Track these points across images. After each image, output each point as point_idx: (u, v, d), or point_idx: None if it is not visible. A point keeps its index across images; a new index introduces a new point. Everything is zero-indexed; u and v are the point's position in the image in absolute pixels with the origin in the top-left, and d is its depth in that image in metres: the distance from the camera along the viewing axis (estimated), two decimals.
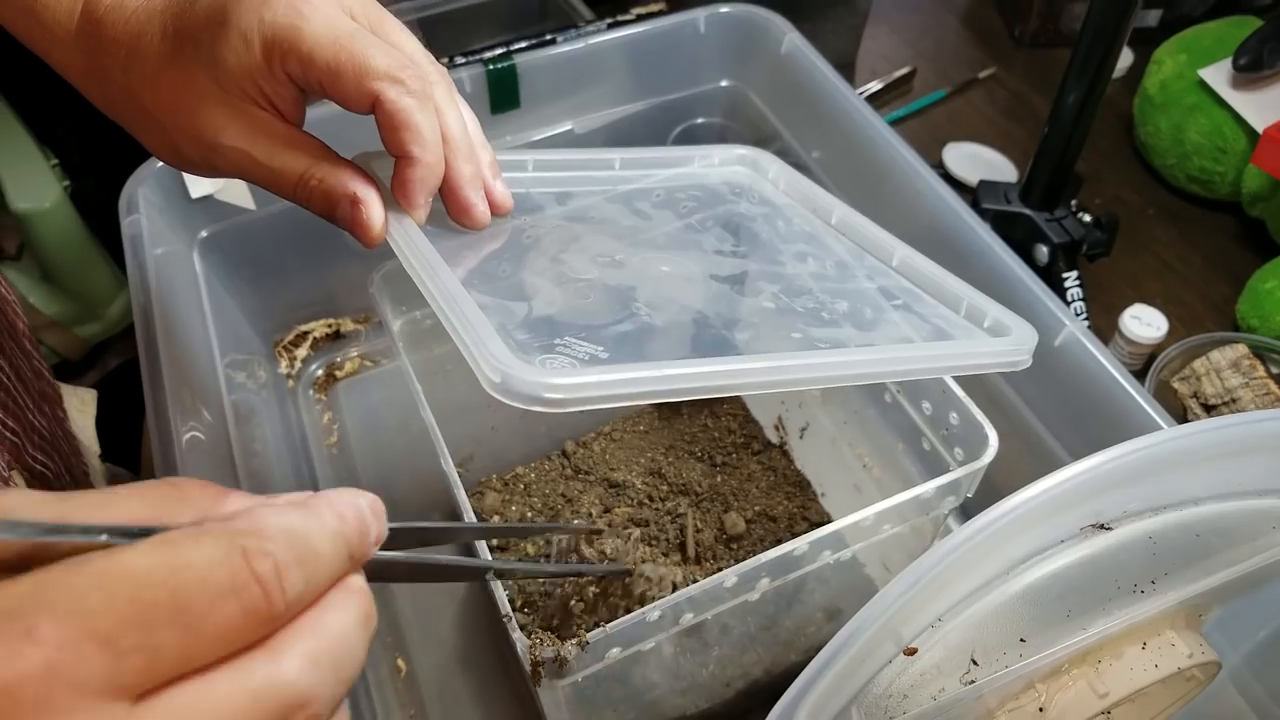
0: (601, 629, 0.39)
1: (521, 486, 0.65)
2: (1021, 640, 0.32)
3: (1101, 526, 0.33)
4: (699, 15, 0.73)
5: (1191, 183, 0.82)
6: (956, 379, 0.49)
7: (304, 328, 0.74)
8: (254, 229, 0.69)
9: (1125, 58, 0.94)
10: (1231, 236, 0.83)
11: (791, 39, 0.72)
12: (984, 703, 0.34)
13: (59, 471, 0.54)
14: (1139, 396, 0.52)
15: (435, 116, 0.38)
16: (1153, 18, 0.95)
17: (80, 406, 0.66)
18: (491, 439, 0.64)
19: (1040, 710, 0.34)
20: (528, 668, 0.39)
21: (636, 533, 0.49)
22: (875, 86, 0.93)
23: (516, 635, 0.39)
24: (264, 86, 0.37)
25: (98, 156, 0.94)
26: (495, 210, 0.44)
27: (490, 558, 0.42)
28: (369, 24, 0.39)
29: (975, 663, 0.32)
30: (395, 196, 0.40)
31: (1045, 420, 0.57)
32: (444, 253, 0.40)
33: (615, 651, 0.42)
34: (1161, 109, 0.81)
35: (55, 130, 1.22)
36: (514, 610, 0.49)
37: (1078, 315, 0.67)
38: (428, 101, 0.38)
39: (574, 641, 0.39)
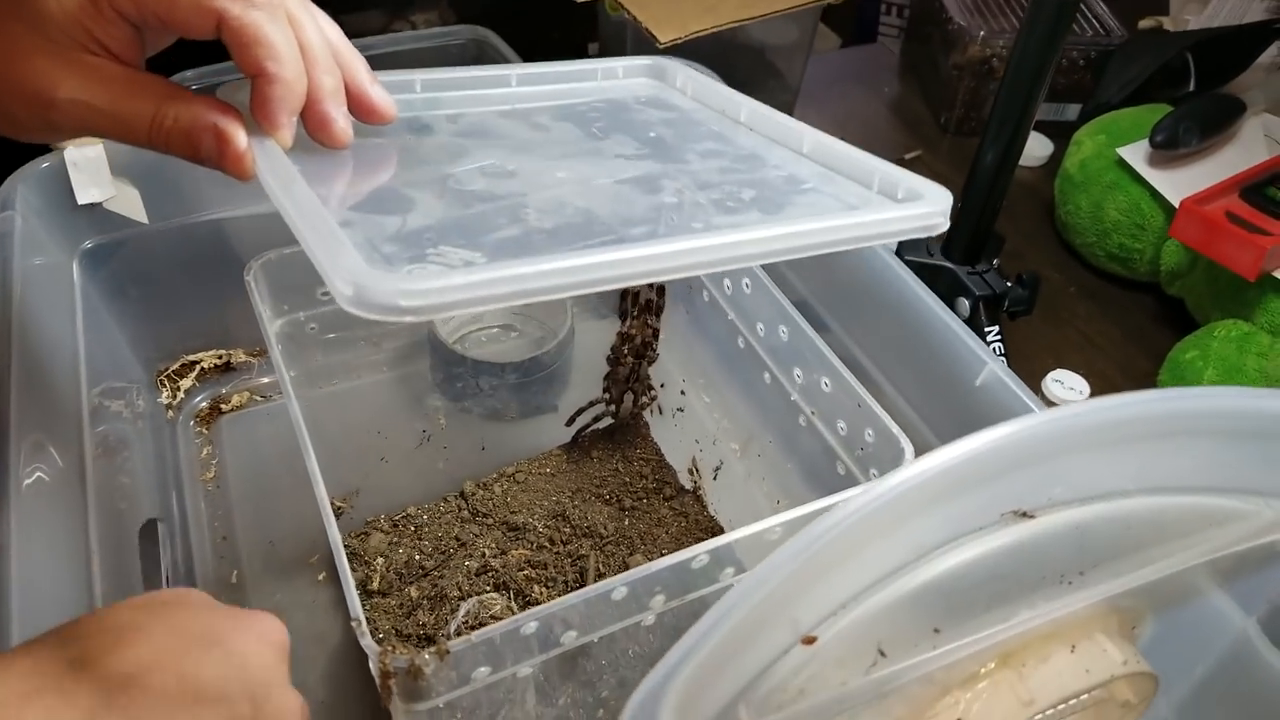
0: (465, 637, 0.34)
1: (412, 528, 0.60)
2: (935, 631, 0.28)
3: (1024, 514, 0.30)
4: (617, 64, 0.73)
5: (1111, 261, 0.83)
6: (873, 395, 0.46)
7: (192, 357, 0.69)
8: (145, 244, 0.64)
9: (1045, 147, 0.96)
10: (1151, 316, 0.83)
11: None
12: (891, 714, 0.30)
13: None
14: None
15: (289, 29, 0.35)
16: (1071, 111, 0.98)
17: None
18: (381, 472, 0.59)
19: None
20: (377, 681, 0.34)
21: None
22: None
23: (366, 641, 0.34)
24: (93, 29, 0.34)
25: None
26: (375, 118, 0.40)
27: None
28: None
29: (883, 654, 0.28)
30: (255, 119, 0.36)
31: None
32: (311, 173, 0.36)
33: (484, 672, 0.37)
34: (1081, 187, 0.83)
35: None
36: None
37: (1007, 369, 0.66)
38: (278, 11, 0.35)
39: (432, 650, 0.34)
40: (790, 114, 0.95)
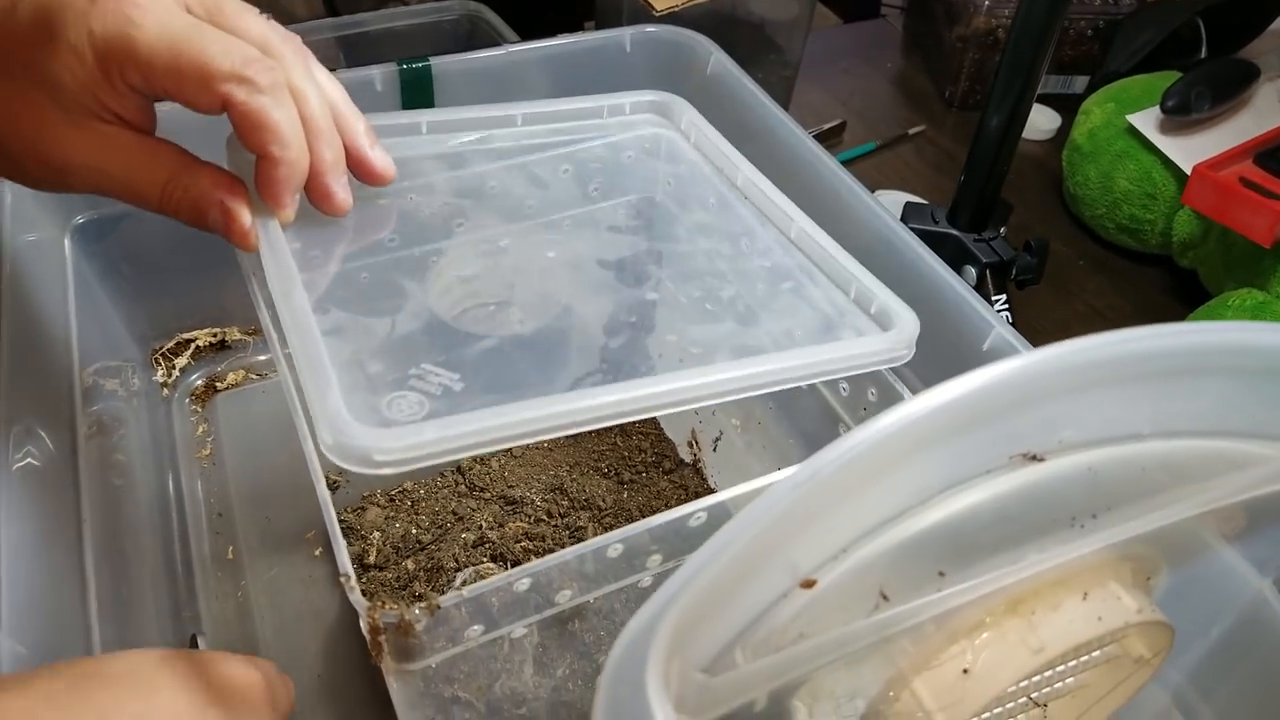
0: (457, 591, 0.33)
1: (409, 503, 0.59)
2: (940, 574, 0.27)
3: (1034, 457, 0.29)
4: (625, 33, 0.72)
5: (1121, 232, 0.81)
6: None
7: (187, 335, 0.68)
8: (140, 221, 0.63)
9: (1052, 120, 0.94)
10: (1162, 289, 0.82)
11: (718, 59, 0.70)
12: (895, 661, 0.28)
13: None
14: None
15: (292, 108, 0.36)
16: (1079, 84, 0.97)
17: None
18: None
19: (965, 672, 0.28)
20: (368, 639, 0.33)
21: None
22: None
23: (354, 597, 0.33)
24: (106, 100, 0.35)
25: None
26: (375, 180, 0.41)
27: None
28: (206, 13, 0.36)
29: (885, 597, 0.26)
30: (261, 197, 0.37)
31: None
32: (309, 252, 0.38)
33: (476, 630, 0.35)
34: (1090, 158, 0.81)
35: None
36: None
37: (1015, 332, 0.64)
38: (281, 92, 0.35)
39: (422, 606, 0.32)
40: (790, 91, 0.94)
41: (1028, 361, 0.28)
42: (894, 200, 0.86)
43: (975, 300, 0.53)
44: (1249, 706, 0.41)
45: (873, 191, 0.86)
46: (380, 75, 0.66)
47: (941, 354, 0.55)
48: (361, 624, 0.33)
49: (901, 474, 0.28)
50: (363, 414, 0.32)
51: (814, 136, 0.92)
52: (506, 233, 0.46)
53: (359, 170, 0.41)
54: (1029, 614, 0.28)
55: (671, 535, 0.37)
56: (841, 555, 0.27)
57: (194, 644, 0.53)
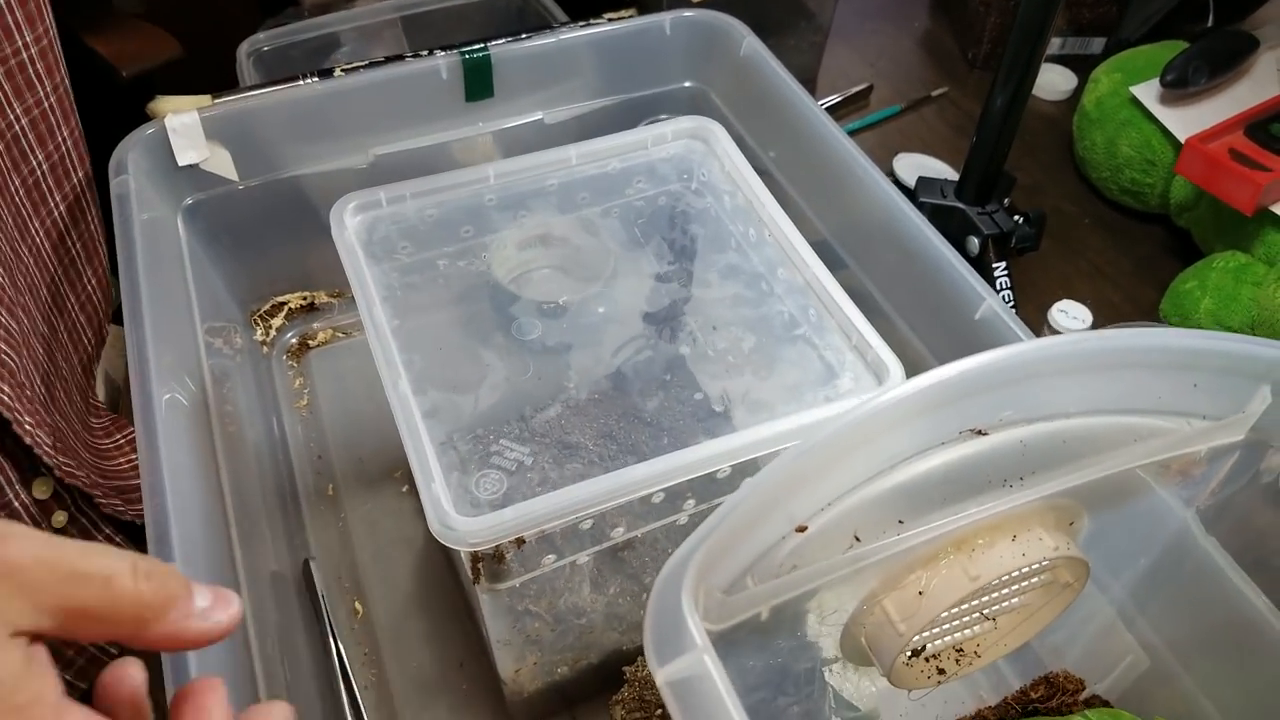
0: (539, 528, 0.43)
1: (520, 427, 0.69)
2: (900, 522, 0.36)
3: (979, 432, 0.38)
4: (664, 18, 0.78)
5: (1124, 194, 0.88)
6: (883, 327, 0.55)
7: (280, 298, 0.78)
8: (236, 200, 0.72)
9: (1069, 80, 1.00)
10: (1160, 245, 0.88)
11: (750, 43, 0.77)
12: (869, 585, 0.38)
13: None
14: None
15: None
16: (1096, 45, 1.01)
17: (111, 342, 0.73)
18: (450, 400, 0.68)
19: (920, 594, 0.37)
20: (468, 567, 0.43)
21: None
22: (834, 99, 0.99)
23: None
24: None
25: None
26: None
27: None
28: None
29: (858, 539, 0.35)
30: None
31: None
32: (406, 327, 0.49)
33: (550, 559, 0.45)
34: (1097, 124, 0.87)
35: None
36: None
37: (1005, 303, 0.72)
38: None
39: (512, 539, 0.42)
40: (821, 55, 1.00)
41: (981, 361, 0.37)
42: (913, 164, 0.92)
43: (970, 275, 0.61)
44: (1177, 617, 0.50)
45: (895, 155, 0.93)
46: (445, 64, 0.74)
47: (940, 320, 0.63)
48: (463, 554, 0.43)
49: (876, 445, 0.36)
50: (458, 495, 0.44)
51: (843, 100, 0.99)
52: (565, 288, 0.57)
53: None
54: (970, 550, 0.37)
55: (702, 484, 0.46)
56: (827, 508, 0.36)
57: (306, 568, 0.64)
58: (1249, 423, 0.40)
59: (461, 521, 0.41)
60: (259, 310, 0.78)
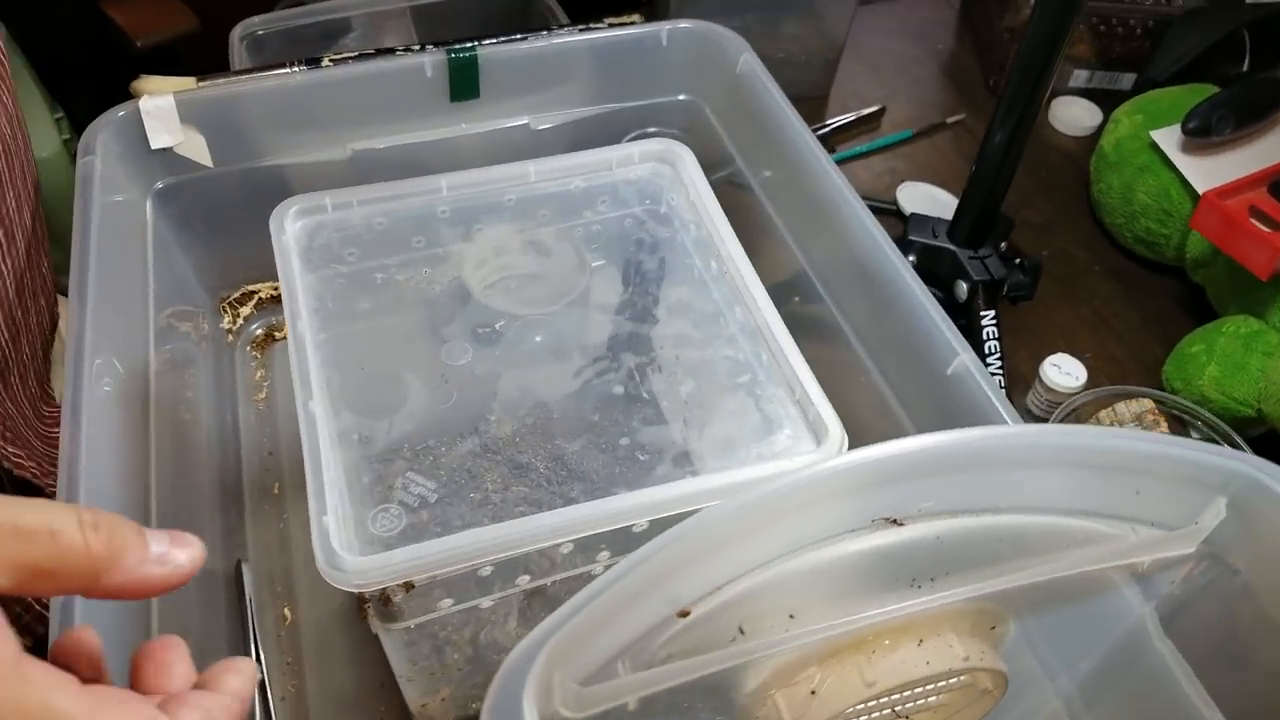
0: (430, 574, 0.40)
1: (430, 459, 0.67)
2: (790, 617, 0.33)
3: (894, 521, 0.35)
4: (662, 28, 0.76)
5: (1139, 243, 0.84)
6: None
7: (252, 287, 0.76)
8: (211, 186, 0.71)
9: (1093, 116, 0.95)
10: (1173, 300, 0.84)
11: (747, 59, 0.74)
12: (759, 677, 0.35)
13: None
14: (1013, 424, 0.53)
15: None
16: (1126, 81, 0.97)
17: None
18: (408, 407, 0.66)
19: (812, 693, 0.35)
20: (358, 605, 0.41)
21: None
22: (843, 119, 0.95)
23: (341, 578, 0.41)
24: None
25: None
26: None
27: None
28: None
29: (742, 631, 0.33)
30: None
31: None
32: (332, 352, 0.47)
33: (448, 603, 0.43)
34: (1114, 167, 0.83)
35: (70, 87, 1.26)
36: None
37: (991, 354, 0.69)
38: None
39: (400, 583, 0.40)
40: (833, 72, 0.97)
41: (904, 448, 0.34)
42: (918, 194, 0.89)
43: (946, 327, 0.58)
44: (1125, 717, 0.47)
45: (901, 184, 0.90)
46: (430, 62, 0.71)
47: (911, 370, 0.60)
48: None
49: (777, 528, 0.34)
50: (355, 529, 0.43)
51: (852, 121, 0.96)
52: (503, 312, 0.55)
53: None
54: (870, 652, 0.34)
55: (618, 537, 0.44)
56: (715, 592, 0.33)
57: (238, 568, 0.62)
58: (1201, 535, 0.37)
59: (349, 560, 0.40)
60: (229, 297, 0.76)
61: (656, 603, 0.33)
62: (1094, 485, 0.36)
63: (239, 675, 0.30)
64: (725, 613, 0.33)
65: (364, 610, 0.42)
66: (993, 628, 0.38)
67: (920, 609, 0.34)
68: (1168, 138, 0.79)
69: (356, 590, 0.39)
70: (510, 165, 0.57)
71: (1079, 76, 0.96)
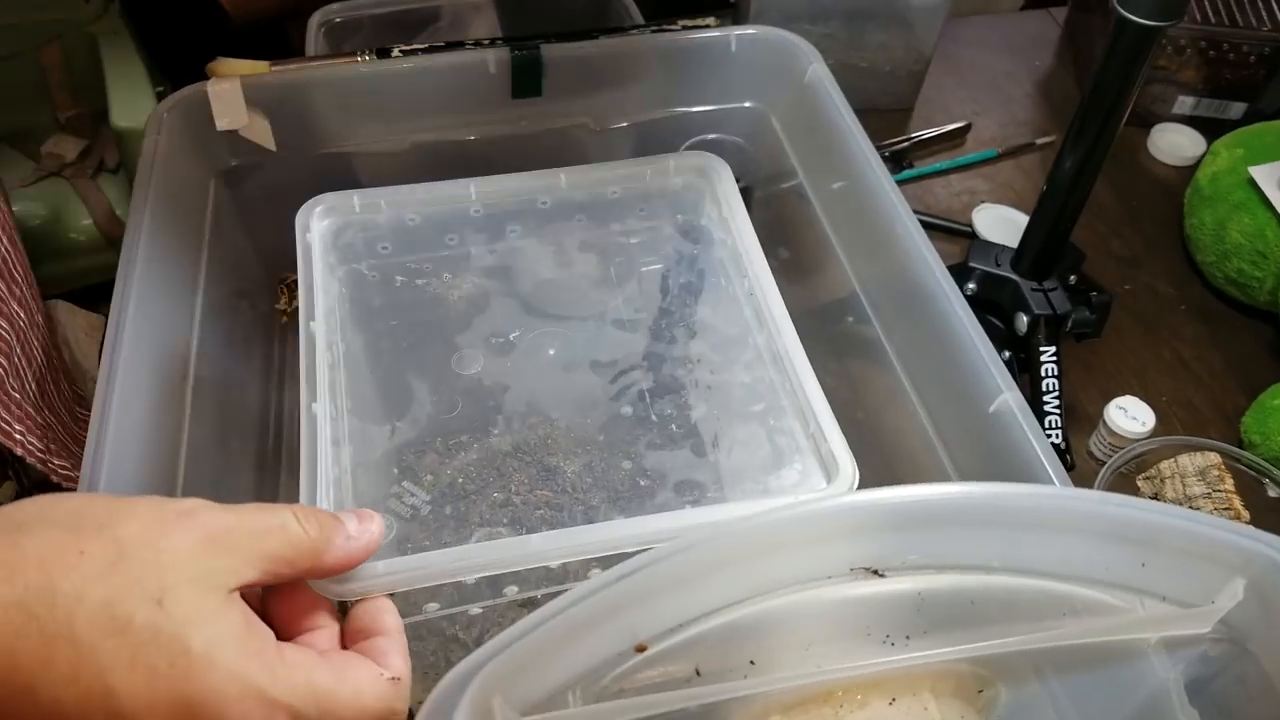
0: (410, 587, 0.40)
1: (461, 454, 0.67)
2: (751, 663, 0.32)
3: (874, 572, 0.33)
4: (731, 33, 0.74)
5: (1229, 284, 0.78)
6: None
7: None
8: (274, 170, 0.72)
9: (1197, 145, 0.90)
10: (1263, 346, 0.78)
11: (816, 69, 0.72)
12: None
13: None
14: (1054, 475, 0.50)
15: None
16: (1236, 110, 0.91)
17: (87, 331, 0.72)
18: (441, 402, 0.67)
19: None
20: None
21: None
22: (926, 134, 0.92)
23: (331, 589, 0.40)
24: None
25: None
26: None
27: None
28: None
29: (699, 673, 0.32)
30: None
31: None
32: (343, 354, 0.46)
33: (434, 607, 0.43)
34: (1209, 202, 0.78)
35: (176, 60, 1.31)
36: None
37: (1048, 392, 0.65)
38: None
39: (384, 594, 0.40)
40: (920, 84, 0.93)
41: (894, 497, 0.32)
42: (993, 216, 0.85)
43: (993, 364, 0.55)
44: None
45: (978, 205, 0.86)
46: (494, 58, 0.71)
47: (953, 403, 0.57)
48: None
49: (748, 569, 0.32)
50: None
51: (935, 136, 0.92)
52: (517, 324, 0.54)
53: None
54: (837, 705, 0.33)
55: (610, 559, 0.43)
56: (676, 630, 0.32)
57: None
58: (1216, 615, 0.34)
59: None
60: (287, 279, 0.78)
61: (614, 634, 0.32)
62: (1099, 552, 0.33)
63: (390, 613, 0.37)
64: (684, 651, 0.32)
65: (342, 608, 0.42)
66: (980, 691, 0.35)
67: (894, 666, 0.32)
68: (1268, 175, 0.74)
69: (336, 599, 0.39)
70: (542, 173, 0.56)
71: (1184, 103, 0.91)
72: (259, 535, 0.31)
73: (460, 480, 0.49)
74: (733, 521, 0.30)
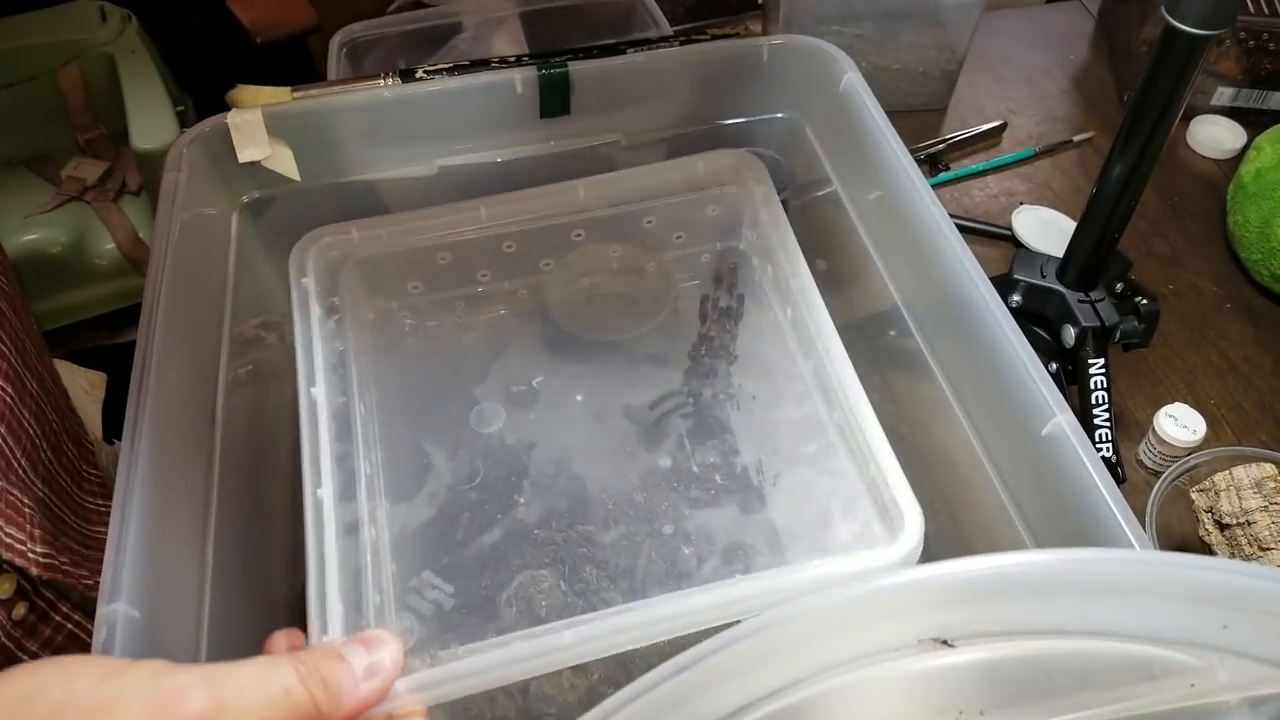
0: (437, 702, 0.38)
1: (485, 532, 0.65)
2: None
3: (944, 642, 0.32)
4: (763, 43, 0.72)
5: (1276, 282, 0.76)
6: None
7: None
8: (298, 199, 0.71)
9: (1237, 138, 0.88)
10: None
11: (851, 79, 0.70)
12: None
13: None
14: (1111, 501, 0.48)
15: None
16: (1276, 100, 0.88)
17: (87, 389, 0.71)
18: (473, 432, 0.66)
19: None
20: None
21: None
22: (961, 135, 0.90)
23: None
24: None
25: None
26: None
27: None
28: None
29: None
30: None
31: (1020, 508, 0.54)
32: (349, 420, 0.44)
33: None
34: (1253, 199, 0.75)
35: (198, 79, 1.30)
36: None
37: (1098, 405, 0.63)
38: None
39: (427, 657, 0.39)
40: (953, 84, 0.91)
41: (969, 569, 0.31)
42: (1035, 218, 0.83)
43: (1043, 384, 0.53)
44: None
45: (1017, 206, 0.84)
46: (521, 78, 0.70)
47: (1004, 425, 0.56)
48: None
49: (810, 648, 0.31)
50: None
51: (971, 137, 0.90)
52: (540, 368, 0.50)
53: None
54: None
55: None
56: (733, 715, 0.31)
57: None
58: None
59: None
60: None
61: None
62: (1179, 614, 0.32)
63: (387, 646, 0.36)
64: None
65: None
66: None
67: None
68: None
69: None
70: (557, 186, 0.54)
71: (1223, 94, 0.88)
72: (263, 705, 0.30)
73: (486, 565, 0.46)
74: (795, 604, 0.29)
